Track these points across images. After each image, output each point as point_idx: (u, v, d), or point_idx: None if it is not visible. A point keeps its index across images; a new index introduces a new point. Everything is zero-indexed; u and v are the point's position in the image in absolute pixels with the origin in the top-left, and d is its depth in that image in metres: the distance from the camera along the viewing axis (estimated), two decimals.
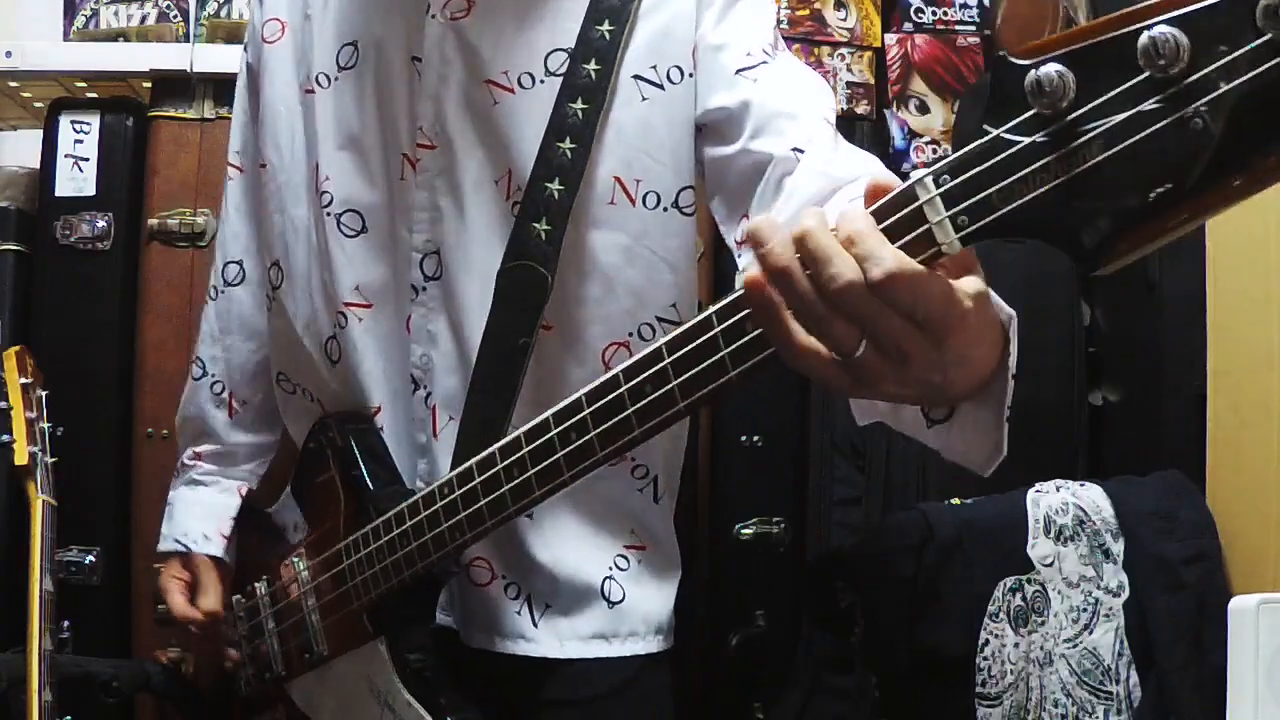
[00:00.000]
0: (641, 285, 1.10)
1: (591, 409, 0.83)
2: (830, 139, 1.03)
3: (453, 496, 0.97)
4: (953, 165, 0.62)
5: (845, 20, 1.82)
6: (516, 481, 0.91)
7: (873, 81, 1.81)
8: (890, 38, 1.82)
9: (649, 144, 1.08)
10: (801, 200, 0.97)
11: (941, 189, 0.62)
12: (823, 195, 0.95)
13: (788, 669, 1.59)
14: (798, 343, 0.65)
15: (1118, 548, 1.42)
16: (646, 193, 1.09)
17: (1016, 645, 1.37)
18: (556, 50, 1.08)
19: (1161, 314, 1.57)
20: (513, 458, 0.91)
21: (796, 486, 1.69)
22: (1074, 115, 0.58)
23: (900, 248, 0.63)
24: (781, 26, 1.70)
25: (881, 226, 0.64)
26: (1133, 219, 0.57)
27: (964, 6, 1.82)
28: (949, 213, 0.62)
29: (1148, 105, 0.55)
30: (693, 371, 0.75)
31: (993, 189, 0.61)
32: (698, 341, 0.74)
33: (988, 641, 1.37)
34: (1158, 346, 1.58)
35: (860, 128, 1.78)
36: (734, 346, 0.73)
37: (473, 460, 0.95)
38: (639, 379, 0.79)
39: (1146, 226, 0.57)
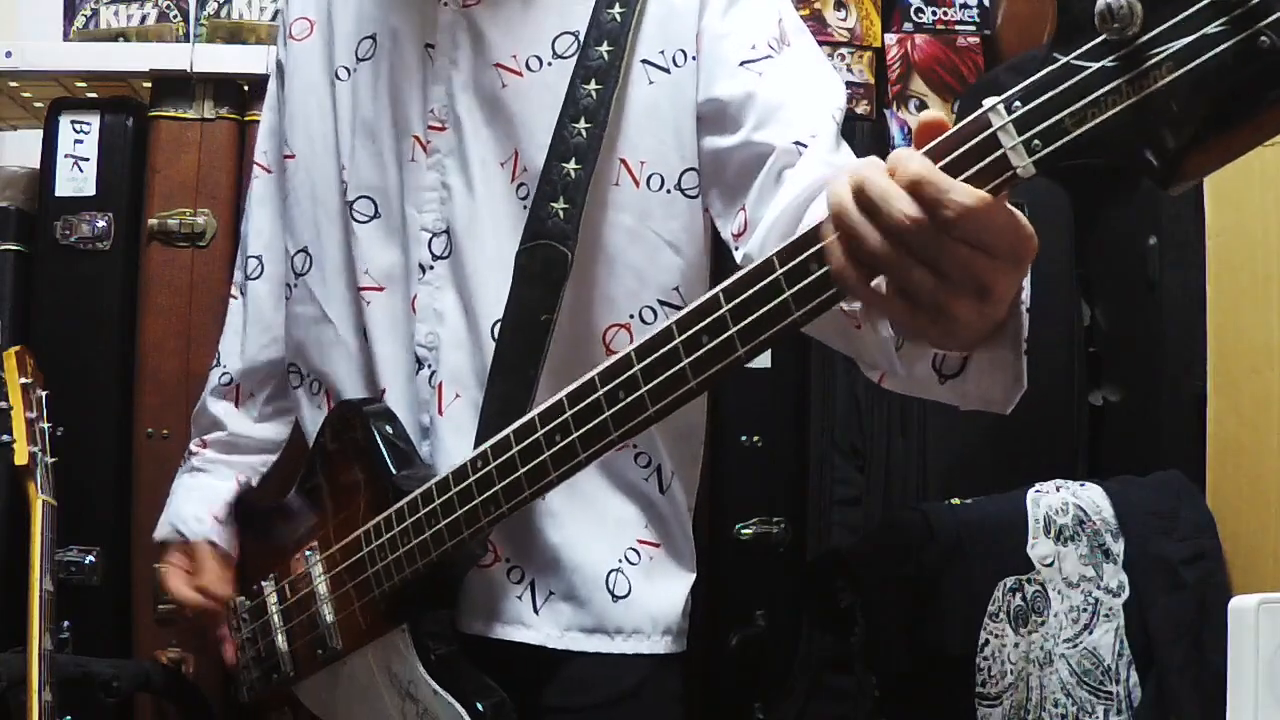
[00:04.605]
0: (643, 266, 1.10)
1: (642, 364, 0.82)
2: (834, 136, 1.03)
3: (487, 469, 0.95)
4: (1023, 92, 0.64)
5: (845, 20, 1.81)
6: (559, 446, 0.89)
7: (873, 81, 1.81)
8: (890, 38, 1.82)
9: (654, 126, 1.09)
10: (801, 187, 0.97)
11: (1014, 115, 0.64)
12: (823, 183, 0.94)
13: (788, 669, 1.59)
14: (859, 283, 0.68)
15: (1118, 548, 1.41)
16: (650, 174, 1.09)
17: (1016, 645, 1.37)
18: (564, 34, 1.09)
19: (1161, 314, 1.56)
20: (554, 422, 0.89)
21: (796, 486, 1.69)
22: (1142, 40, 0.60)
23: (972, 175, 0.65)
24: None
25: (951, 158, 0.66)
26: (1203, 136, 0.60)
27: (964, 6, 1.82)
28: (1022, 138, 0.64)
29: (1212, 28, 0.58)
30: (754, 316, 0.75)
31: (1065, 112, 0.63)
32: (759, 285, 0.75)
33: (988, 641, 1.37)
34: (1158, 346, 1.58)
35: (860, 128, 1.77)
36: (798, 287, 0.73)
37: (509, 429, 0.93)
38: (694, 329, 0.78)
39: (1217, 142, 0.60)
